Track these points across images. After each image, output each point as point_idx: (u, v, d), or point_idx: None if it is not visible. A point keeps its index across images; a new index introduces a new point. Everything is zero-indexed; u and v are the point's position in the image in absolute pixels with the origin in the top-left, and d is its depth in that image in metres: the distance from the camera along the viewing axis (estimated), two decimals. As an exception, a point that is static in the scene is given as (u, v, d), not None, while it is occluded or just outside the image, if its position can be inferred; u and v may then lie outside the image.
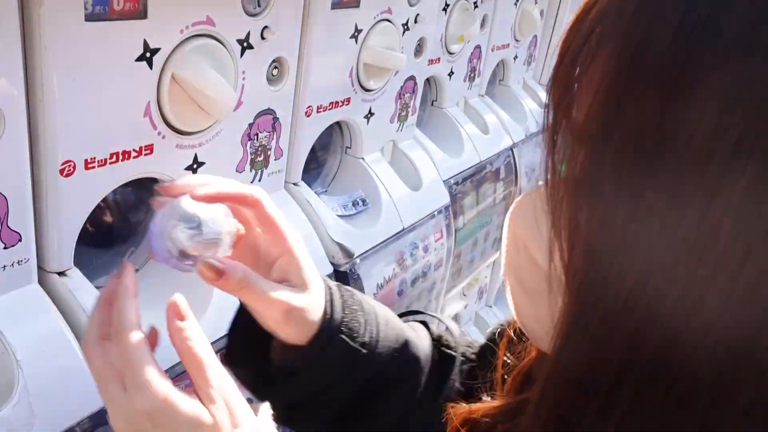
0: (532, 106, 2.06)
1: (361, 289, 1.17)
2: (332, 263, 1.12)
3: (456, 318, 2.20)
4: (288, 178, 1.12)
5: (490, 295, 2.55)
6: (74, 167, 0.75)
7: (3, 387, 0.70)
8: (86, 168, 0.77)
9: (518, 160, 1.88)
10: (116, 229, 0.93)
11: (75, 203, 0.77)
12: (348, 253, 1.14)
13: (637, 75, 0.36)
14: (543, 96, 2.16)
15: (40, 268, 0.78)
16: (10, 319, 0.72)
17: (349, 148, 1.29)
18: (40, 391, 0.71)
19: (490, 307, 2.62)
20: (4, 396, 0.69)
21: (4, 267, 0.72)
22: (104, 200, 0.83)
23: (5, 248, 0.71)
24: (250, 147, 1.00)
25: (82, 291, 0.80)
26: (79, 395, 0.75)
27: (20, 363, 0.71)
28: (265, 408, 0.60)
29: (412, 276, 1.33)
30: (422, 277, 1.38)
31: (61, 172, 0.74)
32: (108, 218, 0.90)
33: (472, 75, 1.72)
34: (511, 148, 1.84)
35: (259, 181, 1.04)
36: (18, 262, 0.73)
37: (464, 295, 2.19)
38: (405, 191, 1.34)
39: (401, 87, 1.33)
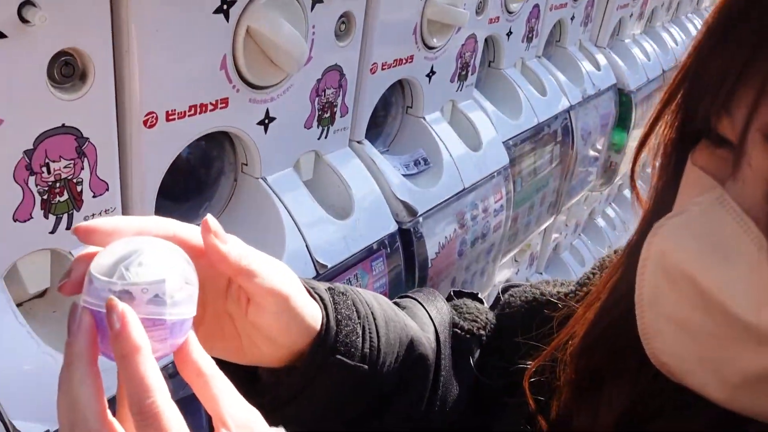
0: (589, 68, 2.01)
1: (424, 249, 1.17)
2: (397, 221, 1.13)
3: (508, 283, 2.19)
4: (352, 135, 1.13)
5: (541, 261, 2.54)
6: (156, 119, 0.77)
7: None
8: (167, 120, 0.78)
9: (575, 122, 1.86)
10: (191, 184, 0.95)
11: (157, 154, 0.79)
12: (412, 211, 1.14)
13: None
14: (599, 58, 2.11)
15: (123, 218, 0.80)
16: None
17: (410, 107, 1.29)
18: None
19: (541, 273, 2.60)
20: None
21: (93, 215, 0.74)
22: (180, 153, 0.85)
23: (94, 197, 0.74)
24: (318, 103, 1.00)
25: (164, 241, 0.82)
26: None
27: (110, 307, 0.73)
28: None
29: (472, 237, 1.33)
30: (481, 239, 1.37)
31: (145, 123, 0.76)
32: (184, 172, 0.92)
33: (530, 35, 1.69)
34: (568, 111, 1.81)
35: (326, 138, 1.05)
36: (105, 211, 0.76)
37: (516, 261, 2.18)
38: (465, 151, 1.34)
39: (462, 45, 1.32)
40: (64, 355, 0.41)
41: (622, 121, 2.25)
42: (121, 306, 0.39)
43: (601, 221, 3.03)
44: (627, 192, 3.37)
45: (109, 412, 0.42)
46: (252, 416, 0.44)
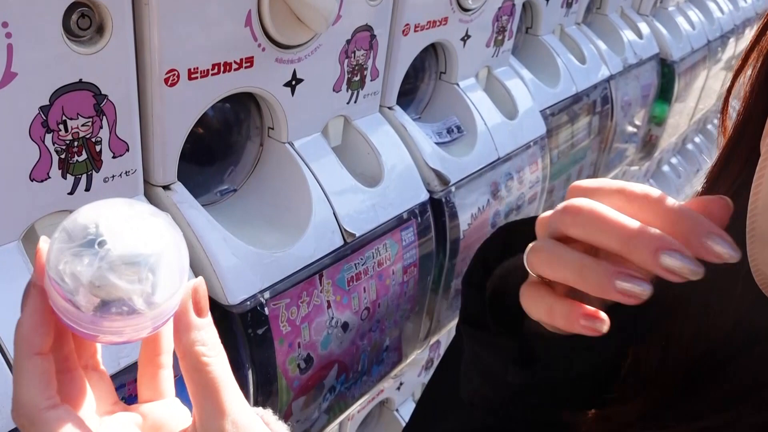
0: (631, 36, 1.93)
1: (456, 220, 1.13)
2: (428, 190, 1.08)
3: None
4: (383, 101, 1.08)
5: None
6: (178, 77, 0.74)
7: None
8: (189, 78, 0.75)
9: (615, 93, 1.78)
10: (215, 147, 0.92)
11: (178, 114, 0.76)
12: (444, 180, 1.10)
13: None
14: (642, 26, 2.02)
15: (145, 182, 0.77)
16: (120, 229, 0.72)
17: (444, 73, 1.24)
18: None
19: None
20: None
21: (113, 177, 0.72)
22: (204, 116, 0.82)
23: (114, 157, 0.71)
24: (347, 65, 0.96)
25: (186, 205, 0.79)
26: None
27: (130, 272, 0.71)
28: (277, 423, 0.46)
29: (506, 209, 1.28)
30: (516, 211, 1.33)
31: (166, 81, 0.73)
32: (207, 136, 0.89)
33: (570, 1, 1.62)
34: (608, 80, 1.74)
35: (355, 102, 1.01)
36: (125, 173, 0.73)
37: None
38: (500, 119, 1.28)
39: (499, 9, 1.26)
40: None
41: (664, 93, 2.16)
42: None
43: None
44: (666, 168, 3.27)
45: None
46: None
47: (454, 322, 1.41)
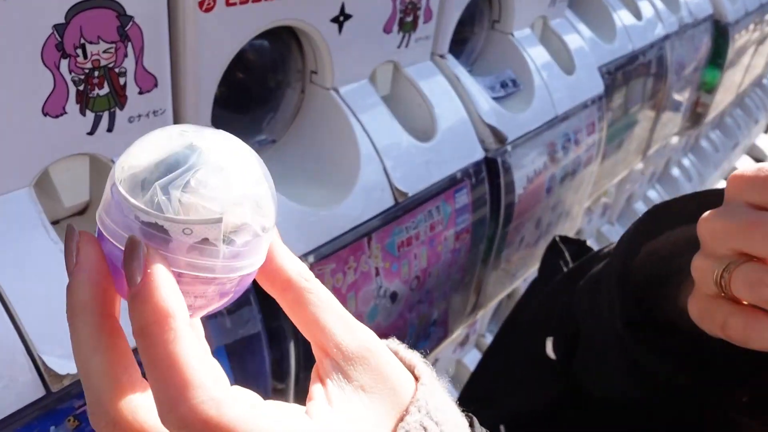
0: (686, -6, 1.79)
1: (511, 183, 1.02)
2: (483, 148, 0.97)
3: (579, 233, 2.03)
4: (435, 48, 0.97)
5: (614, 211, 2.36)
6: (214, 1, 0.63)
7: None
8: (227, 4, 0.64)
9: (670, 54, 1.65)
10: (252, 92, 0.81)
11: (214, 46, 0.65)
12: (500, 138, 0.99)
13: None
14: (697, -16, 1.88)
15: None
16: (146, 177, 0.62)
17: (497, 22, 1.12)
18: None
19: (612, 225, 2.43)
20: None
21: (138, 116, 0.62)
22: (240, 55, 0.71)
23: (140, 93, 0.61)
24: (400, 3, 0.85)
25: (222, 153, 0.69)
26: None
27: (159, 227, 0.61)
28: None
29: (561, 172, 1.17)
30: (571, 175, 1.21)
31: (201, 5, 0.62)
32: (244, 78, 0.79)
33: (626, -49, 1.49)
34: (663, 40, 1.61)
35: (406, 47, 0.90)
36: (153, 113, 0.63)
37: (590, 209, 2.01)
38: (558, 74, 1.17)
39: (559, -49, 1.14)
40: (66, 306, 0.29)
41: (716, 58, 2.02)
42: (144, 253, 0.27)
43: (676, 171, 2.82)
44: (704, 143, 3.13)
45: (140, 378, 0.29)
46: (369, 343, 0.32)
47: (501, 296, 1.31)
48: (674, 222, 0.49)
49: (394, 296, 0.85)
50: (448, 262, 0.94)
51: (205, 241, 0.27)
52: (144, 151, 0.29)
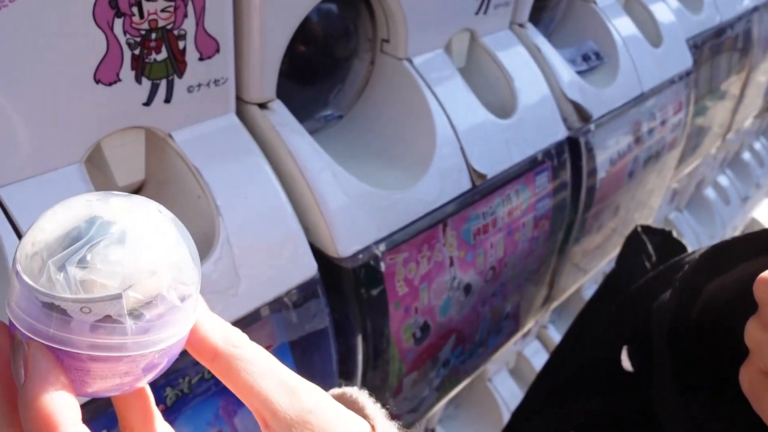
0: (775, -38, 1.65)
1: (593, 166, 0.93)
2: (566, 127, 0.89)
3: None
4: (514, 16, 0.88)
5: (683, 198, 2.23)
6: (283, -44, 0.56)
7: (201, 238, 0.55)
8: (297, -40, 0.57)
9: (758, 28, 1.52)
10: (317, 63, 0.74)
11: (281, 8, 0.58)
12: (584, 116, 0.90)
13: None
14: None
15: (237, 98, 0.60)
16: (207, 154, 0.56)
17: (579, -12, 1.03)
18: (242, 248, 0.55)
19: (681, 212, 2.30)
20: (203, 250, 0.54)
21: (198, 86, 0.55)
22: (307, 24, 0.64)
23: (200, 59, 0.54)
24: (480, -36, 0.76)
25: (288, 129, 0.62)
26: (289, 259, 0.58)
27: (220, 209, 0.55)
28: None
29: (645, 155, 1.07)
30: (655, 158, 1.11)
31: (268, -40, 0.55)
32: (309, 47, 0.71)
33: None
34: (752, 12, 1.48)
35: (484, 13, 0.81)
36: (214, 82, 0.56)
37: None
38: (645, 47, 1.06)
39: None
40: None
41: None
42: (24, 351, 0.26)
43: (747, 155, 2.66)
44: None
45: None
46: (311, 404, 0.29)
47: (574, 289, 1.22)
48: (739, 259, 0.43)
49: (467, 288, 0.78)
50: (525, 251, 0.86)
51: (108, 318, 0.25)
52: (48, 225, 0.27)
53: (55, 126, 0.48)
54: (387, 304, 0.67)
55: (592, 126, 0.92)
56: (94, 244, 0.26)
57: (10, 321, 0.27)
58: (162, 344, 0.27)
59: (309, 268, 0.59)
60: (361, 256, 0.63)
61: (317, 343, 0.61)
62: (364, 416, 0.32)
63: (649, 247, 0.82)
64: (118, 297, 0.25)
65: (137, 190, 0.61)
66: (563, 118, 0.89)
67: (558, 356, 0.84)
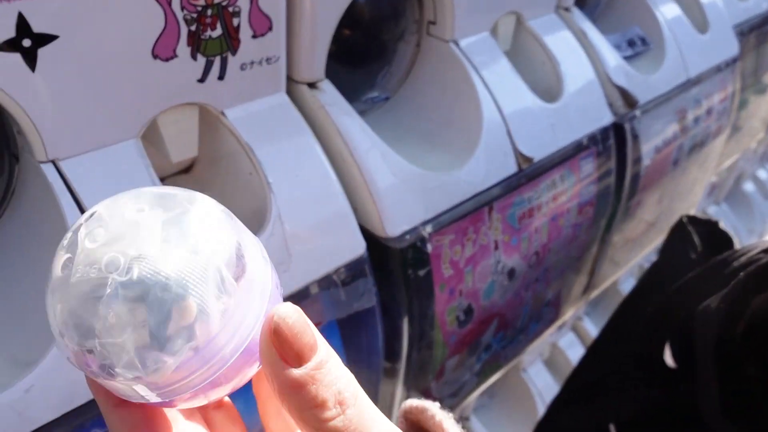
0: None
1: (638, 153, 0.92)
2: (612, 112, 0.87)
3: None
4: (559, 1, 0.87)
5: (721, 191, 2.19)
6: (336, -66, 0.56)
7: (253, 215, 0.55)
8: (349, -62, 0.57)
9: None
10: (363, 45, 0.74)
11: (334, -13, 0.58)
12: (630, 101, 0.89)
13: None
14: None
15: (287, 77, 0.61)
16: (259, 132, 0.57)
17: (625, -27, 1.01)
18: (293, 225, 0.55)
19: (719, 205, 2.26)
20: (254, 227, 0.54)
21: (251, 63, 0.55)
22: (354, 6, 0.64)
23: (254, 37, 0.54)
24: (528, -55, 0.76)
25: (337, 108, 0.62)
26: (338, 237, 0.58)
27: (272, 186, 0.55)
28: None
29: (690, 143, 1.05)
30: (699, 147, 1.09)
31: (322, -63, 0.55)
32: (355, 29, 0.71)
33: None
34: (800, -1, 1.44)
35: (531, -4, 0.81)
36: (266, 60, 0.57)
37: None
38: (690, 32, 1.04)
39: None
40: None
41: None
42: None
43: (788, 150, 2.60)
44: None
45: None
46: None
47: (614, 278, 1.21)
48: None
49: (511, 273, 0.77)
50: (569, 237, 0.85)
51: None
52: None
53: (114, 101, 0.49)
54: (433, 286, 0.67)
55: (637, 112, 0.91)
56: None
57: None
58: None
59: (357, 247, 0.59)
60: (408, 236, 0.63)
61: (365, 322, 0.61)
62: None
63: (695, 238, 0.81)
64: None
65: (187, 168, 0.61)
66: (609, 104, 0.87)
67: (597, 348, 0.83)
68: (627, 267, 1.17)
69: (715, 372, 0.51)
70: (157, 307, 0.24)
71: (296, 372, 0.24)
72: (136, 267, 0.24)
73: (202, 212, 0.26)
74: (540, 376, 1.50)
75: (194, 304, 0.24)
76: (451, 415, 0.34)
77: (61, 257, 0.26)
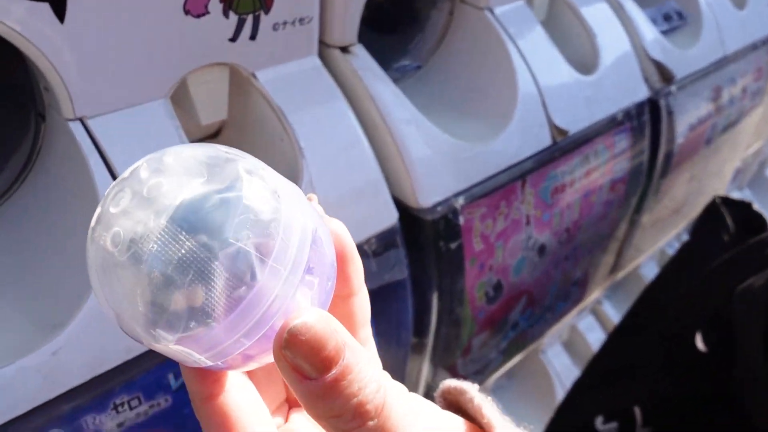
0: None
1: (673, 130, 0.89)
2: (649, 87, 0.85)
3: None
4: (595, -31, 0.84)
5: (744, 176, 2.15)
6: None
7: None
8: None
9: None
10: (394, 11, 0.72)
11: (371, -56, 0.56)
12: (667, 76, 0.86)
13: None
14: None
15: (319, 41, 0.59)
16: (290, 96, 0.55)
17: (662, -56, 0.98)
18: (324, 192, 0.53)
19: (741, 190, 2.22)
20: (285, 192, 0.52)
21: (284, 23, 0.53)
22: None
23: (288, -5, 0.52)
24: None
25: (370, 74, 0.60)
26: (370, 206, 0.57)
27: (304, 152, 0.53)
28: None
29: (724, 122, 1.02)
30: (732, 126, 1.06)
31: None
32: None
33: None
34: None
35: (568, -35, 0.78)
36: (299, 21, 0.54)
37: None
38: (728, 7, 1.01)
39: None
40: None
41: None
42: None
43: (814, 137, 2.55)
44: None
45: None
46: None
47: (641, 259, 1.18)
48: None
49: (542, 249, 0.75)
50: (600, 215, 0.83)
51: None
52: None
53: (144, 58, 0.47)
54: (463, 260, 0.65)
55: (673, 88, 0.88)
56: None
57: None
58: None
59: (390, 216, 0.57)
60: (440, 208, 0.61)
61: (395, 294, 0.60)
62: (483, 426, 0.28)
63: (728, 219, 0.78)
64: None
65: (215, 132, 0.60)
66: (644, 78, 0.85)
67: (623, 331, 0.81)
68: (654, 249, 1.15)
69: (764, 353, 0.49)
70: (201, 266, 0.23)
71: (312, 385, 0.22)
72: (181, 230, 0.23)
73: (275, 178, 0.26)
74: (558, 358, 1.49)
75: (240, 263, 0.23)
76: (489, 398, 0.33)
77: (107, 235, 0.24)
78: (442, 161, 0.62)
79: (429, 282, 0.63)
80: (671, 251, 1.36)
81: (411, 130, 0.60)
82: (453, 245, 0.63)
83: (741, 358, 0.59)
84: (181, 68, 0.50)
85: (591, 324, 1.60)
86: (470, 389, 0.31)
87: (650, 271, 1.39)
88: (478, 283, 0.68)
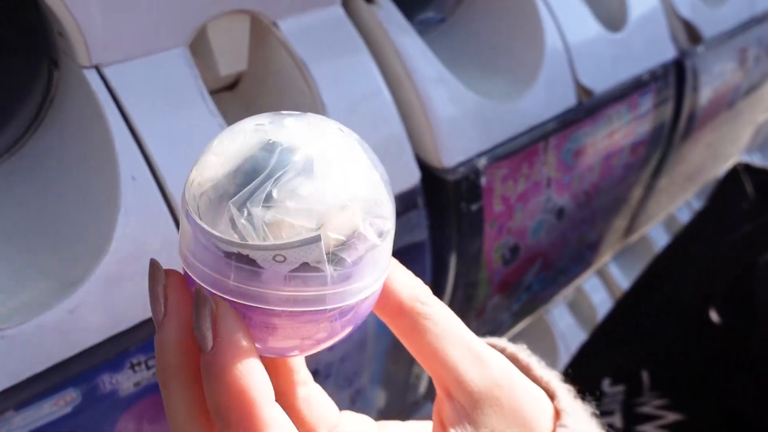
0: None
1: (697, 92, 0.87)
2: (676, 47, 0.82)
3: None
4: None
5: (755, 140, 2.12)
6: None
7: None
8: None
9: None
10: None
11: None
12: (695, 36, 0.83)
13: None
14: None
15: (341, -11, 0.56)
16: (313, 47, 0.52)
17: None
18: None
19: (749, 154, 2.20)
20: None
21: (309, -30, 0.51)
22: None
23: (313, -61, 0.50)
24: None
25: (396, 26, 0.58)
26: (392, 164, 0.55)
27: (326, 106, 0.51)
28: None
29: (747, 84, 1.00)
30: (755, 90, 1.04)
31: None
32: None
33: None
34: None
35: None
36: (324, -31, 0.52)
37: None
38: (759, -35, 0.97)
39: None
40: (156, 364, 0.24)
41: None
42: (212, 310, 0.22)
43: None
44: None
45: None
46: (500, 377, 0.27)
47: (652, 225, 1.17)
48: None
49: (560, 212, 0.74)
50: (619, 177, 0.82)
51: (306, 266, 0.22)
52: (217, 157, 0.23)
53: (164, 2, 0.44)
54: (483, 222, 0.63)
55: (700, 48, 0.85)
56: (278, 177, 0.21)
57: (186, 272, 0.23)
58: (363, 293, 0.23)
59: (412, 176, 0.56)
60: (462, 168, 0.59)
61: (415, 256, 0.58)
62: (547, 390, 0.29)
63: (749, 187, 0.77)
64: (317, 240, 0.21)
65: (232, 84, 0.57)
66: (672, 36, 0.82)
67: (634, 295, 0.80)
68: (670, 210, 1.14)
69: None
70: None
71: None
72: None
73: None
74: (563, 318, 1.49)
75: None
76: (530, 352, 0.33)
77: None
78: (466, 120, 0.59)
79: (448, 244, 0.62)
80: (681, 217, 1.35)
81: (437, 87, 0.57)
82: (474, 207, 0.61)
83: (763, 330, 0.58)
84: (202, 15, 0.47)
85: (596, 285, 1.59)
86: (507, 345, 0.31)
87: (658, 235, 1.38)
88: (496, 245, 0.67)
